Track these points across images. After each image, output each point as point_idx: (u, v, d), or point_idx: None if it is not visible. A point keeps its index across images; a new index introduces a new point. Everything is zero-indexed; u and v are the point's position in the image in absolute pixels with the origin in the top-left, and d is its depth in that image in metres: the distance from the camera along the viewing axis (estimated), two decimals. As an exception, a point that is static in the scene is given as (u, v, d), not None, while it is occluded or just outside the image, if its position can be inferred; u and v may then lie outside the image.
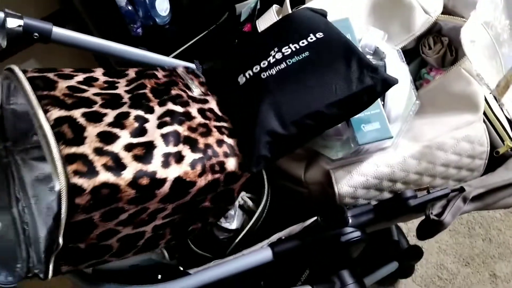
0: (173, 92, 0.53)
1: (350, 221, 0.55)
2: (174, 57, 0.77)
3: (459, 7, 0.68)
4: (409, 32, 0.64)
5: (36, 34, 0.60)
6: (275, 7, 0.73)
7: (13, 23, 0.58)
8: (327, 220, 0.56)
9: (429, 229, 0.56)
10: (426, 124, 0.60)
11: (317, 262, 0.68)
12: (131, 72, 0.56)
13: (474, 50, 0.53)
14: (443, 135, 0.58)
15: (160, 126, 0.47)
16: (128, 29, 1.24)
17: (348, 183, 0.58)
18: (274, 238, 0.59)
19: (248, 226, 0.57)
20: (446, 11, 0.69)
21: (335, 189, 0.58)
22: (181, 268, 0.60)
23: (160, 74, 0.56)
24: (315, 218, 0.58)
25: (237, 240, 0.58)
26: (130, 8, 1.18)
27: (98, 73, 0.54)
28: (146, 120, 0.47)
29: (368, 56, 0.59)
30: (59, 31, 0.61)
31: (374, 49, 0.59)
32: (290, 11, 0.70)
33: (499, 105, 0.58)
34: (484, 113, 0.60)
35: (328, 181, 0.59)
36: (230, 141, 0.51)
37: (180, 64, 0.74)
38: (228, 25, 1.47)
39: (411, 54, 0.68)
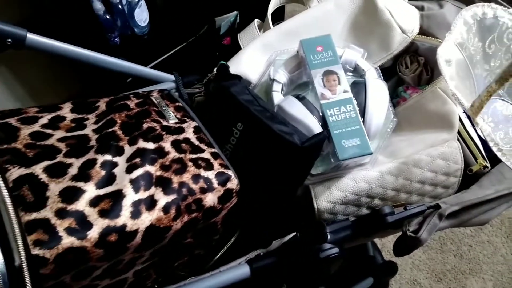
0: (145, 125, 0.51)
1: (328, 237, 0.55)
2: (152, 67, 0.76)
3: (433, 28, 0.70)
4: (387, 51, 0.65)
5: (10, 40, 0.58)
6: (256, 21, 0.73)
7: (-16, 27, 0.56)
8: (306, 236, 0.56)
9: (406, 245, 0.56)
10: (403, 141, 0.61)
11: (294, 278, 0.67)
12: (102, 104, 0.54)
13: (450, 70, 0.55)
14: (419, 152, 0.59)
15: (130, 170, 0.45)
16: (106, 38, 1.23)
17: (327, 198, 0.58)
18: (252, 254, 0.58)
19: (230, 242, 0.56)
20: (421, 31, 0.71)
21: (314, 204, 0.58)
22: (156, 286, 0.58)
23: (132, 103, 0.54)
24: (293, 234, 0.58)
25: (217, 257, 0.56)
26: (108, 17, 1.17)
27: (66, 110, 0.51)
28: (115, 165, 0.45)
29: (348, 73, 0.61)
30: (34, 38, 0.59)
31: (354, 65, 0.60)
32: (271, 26, 0.71)
33: (473, 124, 0.60)
34: (458, 132, 0.62)
35: (307, 196, 0.58)
36: (207, 174, 0.49)
37: (159, 76, 0.73)
38: (208, 38, 1.48)
39: (388, 72, 0.69)
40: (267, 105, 0.54)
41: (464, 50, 0.61)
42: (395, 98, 0.69)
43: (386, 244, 1.36)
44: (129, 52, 1.26)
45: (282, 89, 0.59)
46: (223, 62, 0.59)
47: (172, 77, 0.72)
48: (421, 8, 0.74)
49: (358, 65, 0.60)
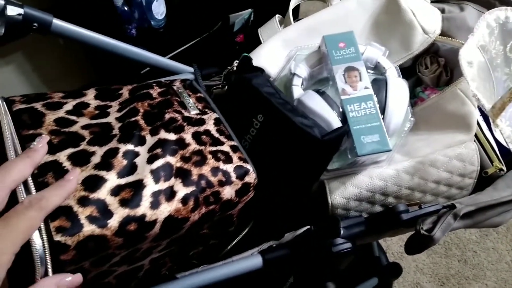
0: (167, 116, 0.51)
1: (342, 232, 0.55)
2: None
3: (453, 31, 0.70)
4: (407, 50, 0.65)
5: (36, 24, 0.59)
6: (277, 17, 0.73)
7: (13, 11, 0.56)
8: (320, 230, 0.56)
9: (419, 244, 0.57)
10: (420, 140, 0.62)
11: (303, 271, 0.68)
12: (125, 92, 0.54)
13: (471, 72, 0.55)
14: (436, 152, 0.59)
15: (151, 160, 0.45)
16: (123, 29, 1.24)
17: (342, 194, 0.58)
18: (264, 245, 0.59)
19: (243, 233, 0.57)
20: (441, 33, 0.71)
21: (328, 199, 0.58)
22: (167, 273, 0.58)
23: (155, 92, 0.54)
24: (307, 227, 0.58)
25: (230, 246, 0.57)
26: (126, 8, 1.18)
27: (90, 96, 0.52)
28: (136, 155, 0.46)
29: (368, 70, 0.61)
30: (59, 23, 0.60)
31: (375, 63, 0.60)
32: (292, 22, 0.71)
33: (492, 126, 0.60)
34: (475, 134, 0.62)
35: (322, 191, 0.59)
36: (226, 167, 0.49)
37: (177, 67, 0.73)
38: (221, 34, 1.49)
39: (407, 72, 0.70)
40: (287, 98, 0.54)
41: (485, 52, 0.61)
42: (413, 98, 0.69)
43: (391, 246, 1.36)
44: (145, 44, 1.27)
45: (302, 84, 0.60)
46: (246, 54, 0.60)
47: (190, 68, 0.73)
48: (442, 10, 0.74)
49: (379, 63, 0.60)
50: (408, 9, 0.64)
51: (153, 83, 0.57)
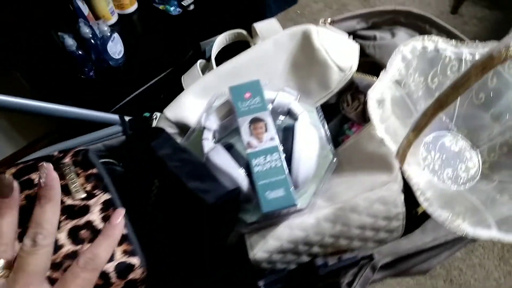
0: None
1: (263, 290, 0.53)
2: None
3: (385, 58, 0.67)
4: (326, 89, 0.63)
5: None
6: (199, 62, 0.72)
7: None
8: (238, 290, 0.54)
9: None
10: (343, 183, 0.59)
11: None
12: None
13: (380, 113, 0.53)
14: (357, 196, 0.56)
15: None
16: (82, 72, 1.24)
17: (263, 248, 0.55)
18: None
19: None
20: (373, 62, 0.69)
21: (249, 255, 0.56)
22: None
23: (38, 176, 0.47)
24: None
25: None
26: (81, 52, 1.18)
27: None
28: None
29: (281, 116, 0.59)
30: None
31: (287, 109, 0.58)
32: (215, 67, 0.70)
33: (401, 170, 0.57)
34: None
35: (243, 247, 0.57)
36: (106, 267, 0.44)
37: (103, 118, 0.72)
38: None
39: (334, 109, 0.67)
40: (191, 156, 0.52)
41: (403, 87, 0.59)
42: (341, 136, 0.66)
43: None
44: (106, 84, 1.27)
45: (214, 136, 0.58)
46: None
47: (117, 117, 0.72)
48: (373, 38, 0.72)
49: (290, 108, 0.58)
50: (321, 48, 0.62)
51: (40, 160, 0.51)
